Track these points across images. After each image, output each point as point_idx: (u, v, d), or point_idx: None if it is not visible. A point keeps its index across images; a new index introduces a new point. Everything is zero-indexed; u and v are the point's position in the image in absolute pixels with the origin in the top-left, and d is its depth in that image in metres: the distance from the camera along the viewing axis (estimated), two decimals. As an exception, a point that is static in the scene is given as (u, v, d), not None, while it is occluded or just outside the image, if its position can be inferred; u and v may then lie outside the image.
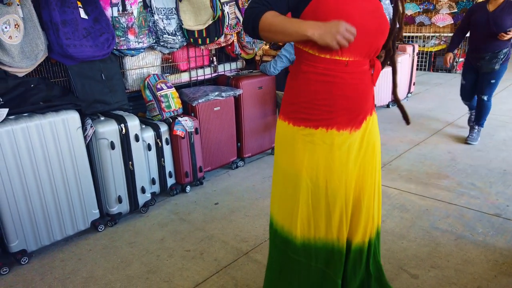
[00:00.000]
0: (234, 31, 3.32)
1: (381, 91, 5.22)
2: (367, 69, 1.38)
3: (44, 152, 2.20)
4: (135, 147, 2.58)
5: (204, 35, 3.05)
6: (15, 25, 2.14)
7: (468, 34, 3.99)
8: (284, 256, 1.53)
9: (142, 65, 2.95)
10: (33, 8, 2.23)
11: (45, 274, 2.15)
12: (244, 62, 3.83)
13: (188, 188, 3.08)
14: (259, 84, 3.52)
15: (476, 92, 3.96)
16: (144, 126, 2.78)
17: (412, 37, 8.57)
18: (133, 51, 2.75)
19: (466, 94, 4.13)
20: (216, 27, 3.07)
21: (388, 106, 5.50)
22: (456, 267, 2.10)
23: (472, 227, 2.47)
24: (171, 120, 2.91)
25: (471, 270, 2.07)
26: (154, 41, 2.85)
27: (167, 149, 2.90)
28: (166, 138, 2.88)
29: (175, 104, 2.95)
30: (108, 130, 2.44)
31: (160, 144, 2.83)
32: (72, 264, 2.23)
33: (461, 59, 8.41)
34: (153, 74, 2.93)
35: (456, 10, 7.97)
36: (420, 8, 8.26)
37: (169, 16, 2.91)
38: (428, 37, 8.46)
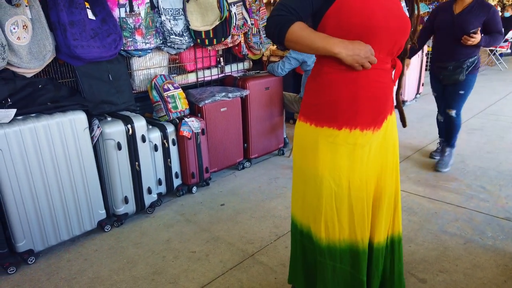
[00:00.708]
0: (241, 32, 3.31)
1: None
2: (389, 68, 1.39)
3: (51, 152, 2.21)
4: (141, 148, 2.59)
5: (211, 36, 3.05)
6: (24, 26, 2.15)
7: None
8: (313, 255, 1.53)
9: (149, 65, 2.95)
10: (41, 9, 2.24)
11: (51, 274, 2.16)
12: (251, 63, 3.82)
13: (194, 189, 3.08)
14: (266, 85, 3.50)
15: (443, 107, 3.43)
16: (150, 126, 2.78)
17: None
18: (140, 52, 2.75)
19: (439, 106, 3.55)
20: (223, 28, 3.06)
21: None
22: (465, 272, 2.06)
23: (481, 231, 2.43)
24: (177, 121, 2.91)
25: (480, 275, 2.04)
26: (161, 41, 2.85)
27: (173, 150, 2.90)
28: (173, 139, 2.88)
29: (182, 104, 2.94)
30: (115, 130, 2.44)
31: (166, 144, 2.83)
32: (79, 264, 2.24)
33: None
34: (160, 75, 2.93)
35: (466, 10, 7.87)
36: (429, 8, 8.17)
37: (176, 17, 2.91)
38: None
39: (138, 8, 2.63)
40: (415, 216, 2.63)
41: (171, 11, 2.88)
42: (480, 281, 1.99)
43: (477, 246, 2.28)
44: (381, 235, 1.51)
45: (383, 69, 1.35)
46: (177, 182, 3.00)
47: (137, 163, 2.58)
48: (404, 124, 1.60)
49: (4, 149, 2.03)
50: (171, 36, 2.86)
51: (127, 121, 2.51)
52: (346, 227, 1.43)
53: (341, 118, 1.34)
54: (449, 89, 3.25)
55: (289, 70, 3.51)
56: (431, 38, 3.52)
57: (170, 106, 2.87)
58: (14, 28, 2.11)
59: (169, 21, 2.86)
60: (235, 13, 3.17)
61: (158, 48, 2.94)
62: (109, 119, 2.50)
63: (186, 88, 3.23)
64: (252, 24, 3.42)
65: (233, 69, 3.66)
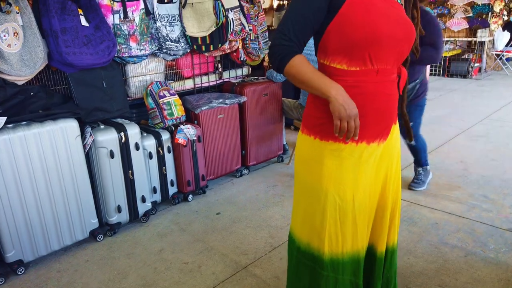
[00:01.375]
0: (239, 38, 3.27)
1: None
2: (395, 78, 1.35)
3: (41, 161, 2.17)
4: (135, 156, 2.55)
5: (208, 42, 3.01)
6: (14, 33, 2.12)
7: None
8: (312, 272, 1.50)
9: (145, 72, 2.92)
10: (33, 16, 2.21)
11: (40, 285, 2.12)
12: (250, 69, 3.77)
13: (190, 197, 3.03)
14: (265, 91, 3.46)
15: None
16: (145, 134, 2.74)
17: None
18: (135, 58, 2.72)
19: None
20: (220, 34, 3.03)
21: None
22: (465, 286, 1.99)
23: (483, 243, 2.35)
24: (173, 128, 2.86)
25: (481, 289, 1.96)
26: (157, 48, 2.82)
27: (169, 158, 2.86)
28: (168, 146, 2.83)
29: (178, 111, 2.90)
30: (107, 138, 2.41)
31: (161, 152, 2.79)
32: (68, 276, 2.19)
33: (476, 64, 8.22)
34: (156, 82, 2.89)
35: (471, 14, 7.79)
36: (434, 12, 8.09)
37: (173, 23, 2.88)
38: (443, 41, 8.29)
39: (133, 14, 2.59)
40: (415, 227, 2.56)
41: (167, 17, 2.85)
42: (481, 297, 1.91)
43: (479, 259, 2.20)
44: (384, 244, 1.50)
45: (390, 81, 1.32)
46: (172, 190, 2.95)
47: (130, 171, 2.54)
48: (410, 138, 1.56)
49: (-8, 158, 2.00)
50: (167, 43, 2.83)
51: (120, 128, 2.47)
52: (350, 239, 1.41)
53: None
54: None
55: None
56: None
57: (165, 113, 2.83)
58: (4, 35, 2.09)
59: (165, 27, 2.83)
60: (232, 19, 3.13)
61: (154, 55, 2.90)
62: (102, 126, 2.47)
63: (183, 94, 3.19)
64: (250, 30, 3.38)
65: (232, 75, 3.62)
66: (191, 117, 3.07)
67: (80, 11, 2.38)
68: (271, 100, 3.53)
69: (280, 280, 2.09)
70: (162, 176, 2.84)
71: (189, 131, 2.87)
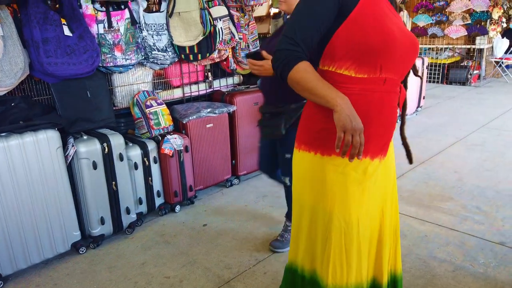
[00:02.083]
0: (228, 47, 3.24)
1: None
2: (398, 91, 1.28)
3: (20, 173, 2.14)
4: (119, 167, 2.51)
5: (196, 51, 2.98)
6: (-6, 43, 2.10)
7: None
8: None
9: (132, 81, 2.89)
10: (14, 26, 2.19)
11: (17, 300, 2.08)
12: (242, 77, 3.74)
13: (177, 208, 2.98)
14: (255, 100, 3.42)
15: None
16: (131, 144, 2.71)
17: (425, 49, 8.38)
18: (120, 68, 2.69)
19: (262, 162, 2.47)
20: (208, 43, 3.00)
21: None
22: (452, 303, 1.93)
23: (473, 257, 2.29)
24: (160, 138, 2.83)
25: (468, 307, 1.90)
26: (143, 57, 2.79)
27: (155, 168, 2.82)
28: (154, 157, 2.80)
29: (165, 121, 2.87)
30: (90, 149, 2.37)
31: (147, 163, 2.75)
32: (47, 290, 2.15)
33: (475, 72, 8.17)
34: (143, 91, 2.87)
35: (469, 22, 7.76)
36: (432, 20, 8.08)
37: (160, 32, 2.86)
38: (441, 49, 8.26)
39: (117, 24, 2.57)
40: (404, 240, 2.50)
41: (154, 26, 2.83)
42: (468, 315, 1.85)
43: (467, 274, 2.14)
44: (386, 273, 1.39)
45: (395, 92, 1.25)
46: (159, 201, 2.91)
47: (114, 182, 2.50)
48: (410, 160, 1.48)
49: (-32, 170, 1.97)
50: (153, 52, 2.80)
51: (103, 139, 2.44)
52: (354, 269, 1.29)
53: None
54: (278, 147, 2.16)
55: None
56: None
57: (152, 122, 2.79)
58: (-17, 46, 2.06)
59: (152, 37, 2.80)
60: (221, 28, 3.10)
61: (141, 64, 2.88)
62: (85, 137, 2.44)
63: (172, 104, 3.17)
64: (240, 38, 3.35)
65: (222, 84, 3.59)
66: (179, 127, 3.03)
67: (64, 21, 2.36)
68: (262, 109, 3.49)
69: (262, 295, 2.03)
70: (148, 187, 2.80)
71: (175, 141, 2.83)
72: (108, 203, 2.50)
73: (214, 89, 3.52)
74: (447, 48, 8.23)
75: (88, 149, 2.37)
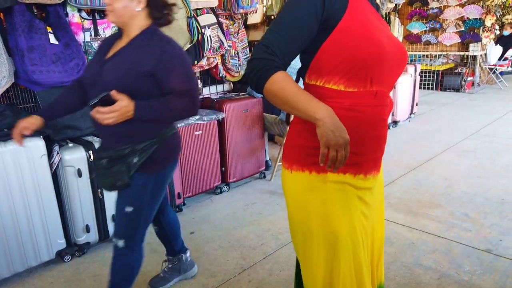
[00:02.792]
0: (217, 54, 3.26)
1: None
2: (388, 104, 1.20)
3: (4, 180, 2.13)
4: (105, 174, 2.50)
5: (184, 59, 2.99)
6: (-22, 51, 2.11)
7: None
8: None
9: (120, 89, 2.89)
10: (-2, 34, 2.20)
11: (-1, 309, 2.06)
12: (232, 84, 3.76)
13: (165, 215, 2.97)
14: (245, 107, 3.43)
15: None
16: (118, 152, 2.70)
17: (419, 56, 8.43)
18: (108, 76, 2.69)
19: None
20: (196, 51, 3.01)
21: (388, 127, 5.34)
22: (435, 312, 1.92)
23: (458, 264, 2.28)
24: (147, 146, 2.82)
25: (452, 315, 1.89)
26: (131, 65, 2.80)
27: (142, 176, 2.81)
28: (142, 164, 2.79)
29: (153, 128, 2.87)
30: (75, 157, 2.37)
31: (134, 170, 2.74)
32: (29, 299, 2.14)
33: (469, 78, 8.21)
34: (131, 98, 2.87)
35: (463, 29, 7.81)
36: (426, 27, 8.12)
37: (148, 40, 2.87)
38: (435, 56, 8.30)
39: (104, 32, 2.58)
40: (391, 247, 2.49)
41: (142, 34, 2.84)
42: (450, 323, 1.84)
43: (452, 282, 2.13)
44: (375, 284, 1.36)
45: (385, 105, 1.19)
46: (147, 208, 2.90)
47: (99, 190, 2.49)
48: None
49: (-50, 178, 1.96)
50: (141, 60, 2.81)
51: (89, 147, 2.43)
52: None
53: (348, 161, 1.11)
54: (117, 199, 1.70)
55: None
56: None
57: (140, 130, 2.79)
58: (-33, 54, 2.07)
59: (140, 44, 2.81)
60: (209, 35, 3.12)
61: (129, 72, 2.88)
62: (70, 145, 2.43)
63: (160, 111, 3.17)
64: (229, 46, 3.37)
65: (212, 91, 3.60)
66: (167, 134, 3.02)
67: (49, 29, 2.37)
68: (251, 116, 3.50)
69: (246, 304, 2.02)
70: (135, 195, 2.79)
71: (163, 149, 2.82)
72: (93, 211, 2.50)
73: (204, 96, 3.53)
74: (441, 55, 8.27)
75: (73, 157, 2.36)
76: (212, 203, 3.26)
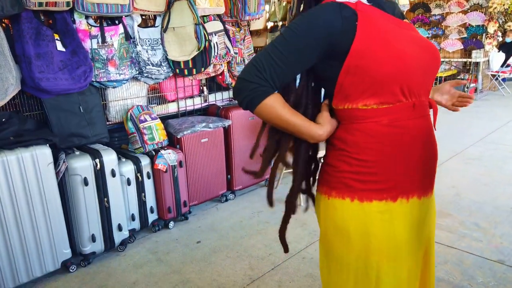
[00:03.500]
0: (223, 61, 3.23)
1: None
2: (429, 114, 1.11)
3: (10, 189, 2.10)
4: (111, 183, 2.47)
5: (191, 66, 2.97)
6: (-15, 59, 2.08)
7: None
8: None
9: (126, 96, 2.87)
10: (5, 41, 2.17)
11: (4, 321, 2.02)
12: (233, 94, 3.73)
13: (171, 224, 2.93)
14: (251, 114, 3.40)
15: None
16: (124, 159, 2.67)
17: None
18: (114, 83, 2.67)
19: None
20: (203, 58, 2.99)
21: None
22: (450, 325, 1.88)
23: (471, 276, 2.24)
24: (154, 153, 2.79)
25: (467, 329, 1.85)
26: (137, 72, 2.77)
27: (148, 184, 2.78)
28: (148, 172, 2.76)
29: (159, 136, 2.84)
30: (81, 165, 2.33)
31: (140, 178, 2.71)
32: (34, 310, 2.09)
33: (472, 85, 8.20)
34: (137, 106, 2.84)
35: (465, 36, 7.81)
36: (429, 33, 8.13)
37: (155, 47, 2.85)
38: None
39: (111, 39, 2.56)
40: (401, 257, 2.45)
41: (149, 41, 2.82)
42: (466, 337, 1.80)
43: (466, 294, 2.09)
44: None
45: (426, 113, 1.09)
46: (152, 217, 2.86)
47: (106, 199, 2.46)
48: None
49: (-44, 187, 1.93)
50: (147, 67, 2.78)
51: (96, 155, 2.40)
52: None
53: (394, 183, 1.03)
54: None
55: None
56: None
57: (146, 137, 2.76)
58: (-26, 62, 2.04)
59: (146, 51, 2.79)
60: (216, 42, 3.10)
61: (135, 78, 2.86)
62: (77, 153, 2.40)
63: (167, 118, 3.14)
64: (235, 53, 3.35)
65: (218, 98, 3.57)
66: (173, 142, 3.00)
67: (57, 36, 2.35)
68: (257, 124, 3.47)
69: (256, 316, 1.98)
70: (141, 203, 2.76)
71: (169, 156, 2.79)
72: (99, 220, 2.46)
73: (209, 103, 3.50)
74: (443, 61, 8.26)
75: (79, 165, 2.33)
76: (218, 211, 3.22)
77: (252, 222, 3.00)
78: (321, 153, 1.21)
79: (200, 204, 3.22)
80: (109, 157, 2.45)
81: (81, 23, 2.45)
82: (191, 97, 3.36)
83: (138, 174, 2.70)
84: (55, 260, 2.33)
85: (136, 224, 2.76)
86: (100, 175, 2.41)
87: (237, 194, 3.50)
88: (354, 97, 1.03)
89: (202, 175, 3.14)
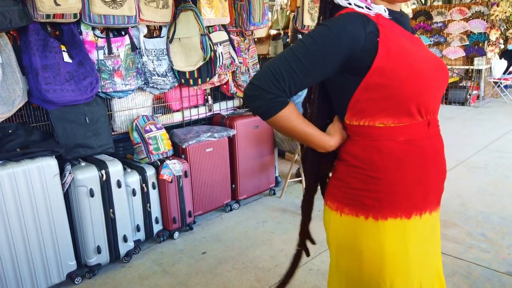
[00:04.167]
0: (228, 71, 3.24)
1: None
2: (439, 132, 1.12)
3: (16, 201, 2.09)
4: (117, 194, 2.46)
5: (196, 76, 2.97)
6: (-7, 71, 2.08)
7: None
8: None
9: (131, 106, 2.87)
10: (13, 53, 2.18)
11: (9, 335, 2.00)
12: (242, 100, 3.73)
13: (176, 234, 2.92)
14: (255, 124, 3.40)
15: None
16: (129, 170, 2.67)
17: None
18: (120, 93, 2.67)
19: None
20: (208, 68, 2.99)
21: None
22: None
23: (480, 289, 2.23)
24: (159, 163, 2.79)
25: None
26: (143, 82, 2.78)
27: (153, 194, 2.77)
28: (153, 182, 2.75)
29: (165, 146, 2.84)
30: (87, 176, 2.33)
31: (145, 189, 2.70)
32: (40, 324, 2.07)
33: (474, 92, 8.20)
34: (142, 116, 2.84)
35: (467, 43, 7.83)
36: (430, 41, 8.15)
37: (160, 57, 2.85)
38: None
39: (117, 50, 2.57)
40: (408, 269, 2.43)
41: (154, 51, 2.82)
42: None
43: (475, 307, 2.07)
44: None
45: (438, 130, 1.10)
46: (157, 227, 2.85)
47: (111, 210, 2.45)
48: None
49: (-38, 200, 1.92)
50: (153, 77, 2.79)
51: (101, 166, 2.40)
52: None
53: (411, 201, 1.03)
54: None
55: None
56: None
57: (151, 147, 2.76)
58: (-19, 74, 2.04)
59: (152, 62, 2.80)
60: (221, 52, 3.10)
61: (141, 88, 2.86)
62: (82, 164, 2.40)
63: (172, 127, 3.14)
64: (240, 62, 3.35)
65: (222, 107, 3.57)
66: (178, 151, 2.99)
67: (63, 47, 2.35)
68: (262, 132, 3.47)
69: (263, 330, 1.96)
70: (146, 214, 2.75)
71: (174, 167, 2.79)
72: (105, 231, 2.45)
73: (214, 112, 3.50)
74: (445, 68, 8.27)
75: (85, 176, 2.32)
76: (222, 221, 3.20)
77: (257, 233, 2.99)
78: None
79: (204, 214, 3.21)
80: (115, 168, 2.44)
81: (87, 35, 2.46)
82: (196, 106, 3.36)
83: (143, 185, 2.69)
84: (60, 272, 2.31)
85: (141, 235, 2.75)
86: (106, 186, 2.40)
87: (241, 204, 3.49)
88: (371, 113, 1.02)
89: (207, 185, 3.13)
